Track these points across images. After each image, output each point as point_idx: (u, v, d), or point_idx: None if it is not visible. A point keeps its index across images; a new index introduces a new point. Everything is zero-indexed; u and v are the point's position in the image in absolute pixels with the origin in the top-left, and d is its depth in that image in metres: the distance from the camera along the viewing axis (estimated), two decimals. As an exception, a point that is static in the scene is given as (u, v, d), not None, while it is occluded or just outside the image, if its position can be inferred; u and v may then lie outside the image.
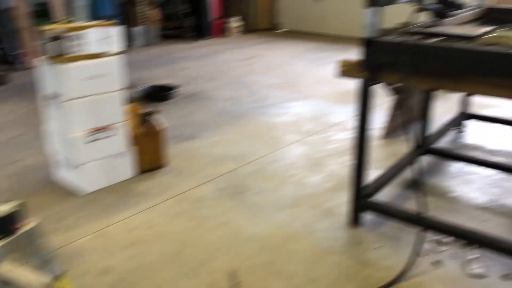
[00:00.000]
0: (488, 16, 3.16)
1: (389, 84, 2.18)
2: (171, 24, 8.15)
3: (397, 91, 2.21)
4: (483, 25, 3.03)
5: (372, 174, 2.70)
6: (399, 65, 2.01)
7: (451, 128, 3.55)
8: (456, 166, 3.10)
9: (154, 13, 7.74)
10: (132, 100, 4.24)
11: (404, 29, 2.19)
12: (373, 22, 2.09)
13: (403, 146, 3.39)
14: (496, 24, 3.08)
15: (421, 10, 2.08)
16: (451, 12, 2.31)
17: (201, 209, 2.64)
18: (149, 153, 3.03)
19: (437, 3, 2.27)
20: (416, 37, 2.13)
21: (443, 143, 3.48)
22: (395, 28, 2.24)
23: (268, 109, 4.38)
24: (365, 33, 2.12)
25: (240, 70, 5.93)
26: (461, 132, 3.67)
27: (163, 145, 3.10)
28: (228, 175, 3.06)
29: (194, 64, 6.28)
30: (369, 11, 2.09)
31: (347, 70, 2.26)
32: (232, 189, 2.87)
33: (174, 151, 3.37)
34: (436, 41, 2.06)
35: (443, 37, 2.10)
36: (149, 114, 3.05)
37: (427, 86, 2.33)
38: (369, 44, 2.11)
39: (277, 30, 9.10)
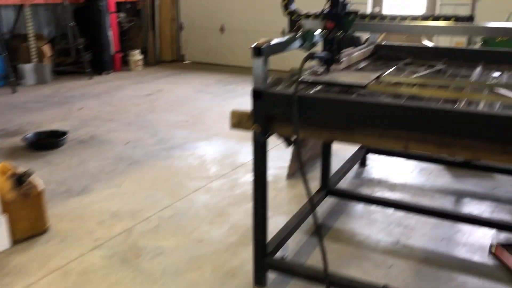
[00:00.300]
0: (378, 54, 3.23)
1: (282, 135, 2.05)
2: (66, 60, 7.62)
3: (291, 142, 2.09)
4: (374, 63, 3.06)
5: (278, 221, 2.55)
6: (290, 117, 1.90)
7: (354, 164, 3.54)
8: (360, 206, 3.06)
9: (47, 49, 7.18)
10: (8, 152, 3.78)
11: (295, 77, 2.08)
12: (261, 72, 1.96)
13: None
14: (385, 62, 3.12)
15: (309, 58, 1.99)
16: (341, 55, 2.25)
17: (87, 283, 2.31)
18: (26, 220, 2.64)
19: (325, 50, 2.20)
20: (306, 86, 2.04)
21: (347, 180, 3.45)
22: (286, 77, 2.13)
23: (171, 152, 4.13)
24: (253, 84, 1.99)
25: (142, 108, 5.62)
26: (364, 166, 3.69)
27: (42, 209, 2.72)
28: (122, 236, 2.74)
29: (91, 103, 5.85)
30: (255, 61, 1.96)
31: (238, 122, 2.10)
32: (125, 254, 2.56)
33: (59, 211, 2.99)
34: (325, 92, 1.97)
35: (334, 87, 2.02)
36: (24, 174, 2.67)
37: (320, 138, 2.25)
38: (258, 96, 1.97)
39: (183, 62, 8.91)
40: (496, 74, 2.80)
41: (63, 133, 4.33)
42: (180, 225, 2.86)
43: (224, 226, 2.86)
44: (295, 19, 2.33)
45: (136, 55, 8.18)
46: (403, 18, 2.18)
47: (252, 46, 1.96)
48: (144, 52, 8.76)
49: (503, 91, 1.90)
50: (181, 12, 8.75)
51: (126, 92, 6.47)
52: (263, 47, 1.94)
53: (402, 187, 3.38)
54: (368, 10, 6.93)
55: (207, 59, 8.65)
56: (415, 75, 2.68)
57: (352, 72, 2.29)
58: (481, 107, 1.75)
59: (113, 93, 6.38)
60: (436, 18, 2.12)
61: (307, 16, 2.34)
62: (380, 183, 3.47)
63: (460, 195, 3.24)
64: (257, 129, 2.01)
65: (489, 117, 1.61)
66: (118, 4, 8.34)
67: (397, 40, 4.13)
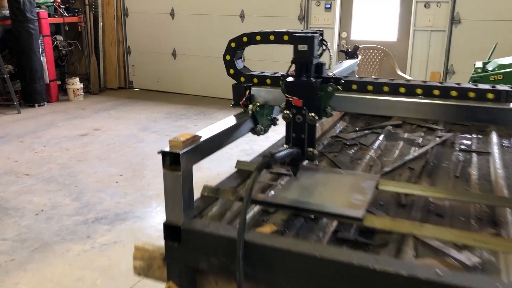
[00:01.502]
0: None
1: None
2: (-11, 91, 6.57)
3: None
4: (353, 126, 2.29)
5: None
6: (230, 274, 1.07)
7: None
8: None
9: (-36, 78, 6.12)
10: None
11: (241, 193, 1.26)
12: (179, 195, 1.12)
13: None
14: (368, 123, 2.36)
15: (265, 166, 1.16)
16: (314, 151, 1.43)
17: None
18: None
19: (289, 141, 1.38)
20: (261, 212, 1.22)
21: None
22: (227, 190, 1.30)
23: (94, 227, 3.20)
24: (166, 216, 1.15)
25: (71, 154, 4.66)
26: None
27: None
28: None
29: (9, 149, 4.84)
30: (168, 176, 1.12)
31: (146, 268, 1.25)
32: None
33: None
34: (290, 230, 1.16)
35: (306, 214, 1.20)
36: None
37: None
38: (174, 235, 1.13)
39: (131, 89, 7.97)
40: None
41: (-47, 202, 3.33)
42: None
43: None
44: (243, 86, 1.51)
45: (76, 83, 7.19)
46: (411, 89, 1.39)
47: (162, 150, 1.12)
48: (87, 79, 7.79)
49: None
50: (128, 34, 7.82)
51: (57, 131, 5.47)
52: (182, 152, 1.11)
53: None
54: (335, 35, 6.25)
55: (157, 86, 7.74)
56: (421, 150, 1.93)
57: (331, 173, 1.46)
58: None
59: (41, 133, 5.38)
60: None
61: (261, 79, 1.53)
62: None
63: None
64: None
65: None
66: (55, 25, 7.35)
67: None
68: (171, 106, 6.74)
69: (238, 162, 1.50)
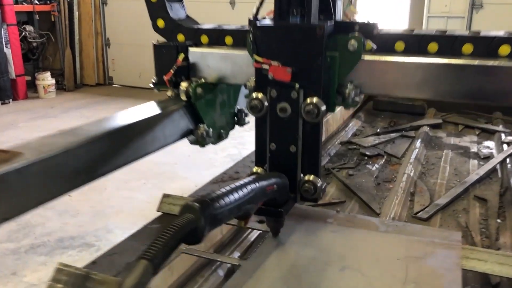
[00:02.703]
0: (373, 102, 1.75)
1: None
2: None
3: None
4: (372, 128, 1.55)
5: None
6: None
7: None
8: None
9: None
10: None
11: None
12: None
13: None
14: (390, 121, 1.64)
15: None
16: (321, 188, 0.69)
17: None
18: None
19: (266, 174, 0.63)
20: None
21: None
22: (107, 282, 0.55)
23: (24, 259, 2.46)
24: None
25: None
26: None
27: None
28: None
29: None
30: None
31: None
32: None
33: None
34: None
35: None
36: None
37: None
38: None
39: (110, 85, 7.21)
40: None
41: None
42: None
43: None
44: (173, 45, 0.76)
45: (46, 79, 6.43)
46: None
47: None
48: (61, 74, 7.04)
49: None
50: (107, 25, 7.06)
51: (14, 133, 4.72)
52: None
53: None
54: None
55: (140, 82, 6.98)
56: (487, 166, 1.22)
57: (354, 230, 0.70)
58: None
59: (-6, 136, 4.63)
60: None
61: (216, 37, 0.78)
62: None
63: None
64: None
65: None
66: (26, 15, 6.60)
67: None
68: (152, 104, 5.99)
69: (164, 198, 0.75)
